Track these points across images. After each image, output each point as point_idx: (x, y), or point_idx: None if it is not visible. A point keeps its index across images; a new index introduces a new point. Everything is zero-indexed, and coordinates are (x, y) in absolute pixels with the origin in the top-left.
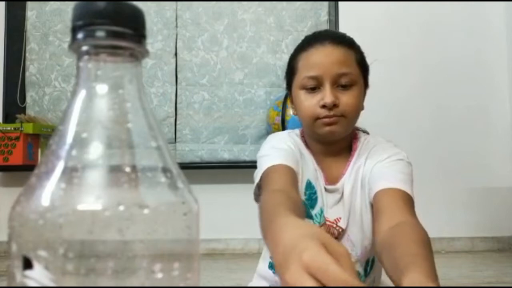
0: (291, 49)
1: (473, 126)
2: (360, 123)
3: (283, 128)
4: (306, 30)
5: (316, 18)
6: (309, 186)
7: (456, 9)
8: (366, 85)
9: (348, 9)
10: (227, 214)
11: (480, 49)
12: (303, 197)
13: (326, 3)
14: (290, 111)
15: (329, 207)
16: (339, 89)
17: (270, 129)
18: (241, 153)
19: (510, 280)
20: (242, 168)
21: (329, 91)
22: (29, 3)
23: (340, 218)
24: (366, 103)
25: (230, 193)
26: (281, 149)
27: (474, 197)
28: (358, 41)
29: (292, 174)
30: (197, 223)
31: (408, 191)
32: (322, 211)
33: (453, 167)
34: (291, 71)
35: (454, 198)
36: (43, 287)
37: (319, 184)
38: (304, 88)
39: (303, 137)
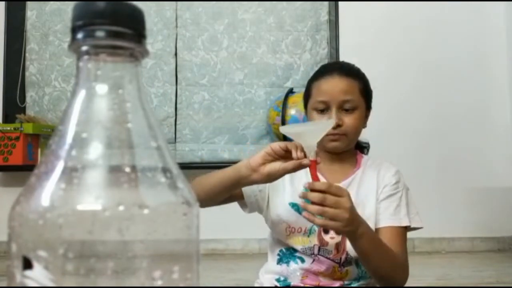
0: (291, 49)
1: (473, 126)
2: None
3: None
4: (306, 30)
5: (316, 18)
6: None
7: (456, 9)
8: (368, 108)
9: (348, 9)
10: (227, 214)
11: (480, 49)
12: (303, 201)
13: (326, 3)
14: (290, 111)
15: None
16: (343, 112)
17: (270, 129)
18: (241, 153)
19: (510, 280)
20: None
21: (334, 114)
22: (29, 3)
23: None
24: None
25: None
26: None
27: (474, 197)
28: (358, 41)
29: None
30: (197, 223)
31: (403, 223)
32: None
33: (453, 167)
34: (307, 95)
35: (454, 198)
36: (43, 287)
37: None
38: (315, 109)
39: None
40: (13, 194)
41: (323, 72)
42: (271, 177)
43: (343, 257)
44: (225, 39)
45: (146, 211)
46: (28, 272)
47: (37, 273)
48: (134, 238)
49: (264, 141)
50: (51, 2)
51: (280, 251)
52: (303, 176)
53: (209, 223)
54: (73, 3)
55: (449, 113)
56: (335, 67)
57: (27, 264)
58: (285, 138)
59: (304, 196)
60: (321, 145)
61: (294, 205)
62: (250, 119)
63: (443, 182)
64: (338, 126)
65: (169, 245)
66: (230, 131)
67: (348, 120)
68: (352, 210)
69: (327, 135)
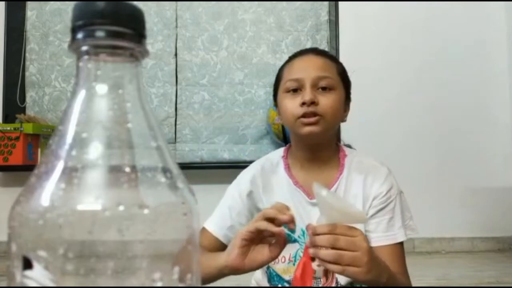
0: (291, 49)
1: (473, 125)
2: (361, 122)
3: (283, 128)
4: (306, 30)
5: (316, 18)
6: None
7: (456, 8)
8: (348, 98)
9: (348, 9)
10: None
11: (480, 48)
12: (282, 226)
13: (326, 3)
14: None
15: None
16: (319, 91)
17: (270, 129)
18: (241, 153)
19: (510, 280)
20: (242, 168)
21: (309, 90)
22: (29, 3)
23: None
24: (365, 102)
25: None
26: (223, 210)
27: (474, 197)
28: (358, 41)
29: (211, 243)
30: (197, 223)
31: (398, 239)
32: (304, 232)
33: (453, 167)
34: (276, 81)
35: (454, 198)
36: (43, 287)
37: (297, 205)
38: (287, 91)
39: (284, 156)
40: (13, 194)
41: (296, 54)
42: (259, 268)
43: (333, 286)
44: (225, 39)
45: (146, 211)
46: (28, 272)
47: (37, 273)
48: (134, 238)
49: (264, 141)
50: (51, 2)
51: (268, 268)
52: (279, 201)
53: None
54: (73, 3)
55: (449, 112)
56: (310, 49)
57: (27, 264)
58: (284, 136)
59: (312, 244)
60: (296, 135)
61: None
62: (250, 119)
63: (443, 182)
64: (312, 103)
65: (169, 245)
66: (230, 131)
67: (325, 100)
68: (370, 252)
69: (299, 117)
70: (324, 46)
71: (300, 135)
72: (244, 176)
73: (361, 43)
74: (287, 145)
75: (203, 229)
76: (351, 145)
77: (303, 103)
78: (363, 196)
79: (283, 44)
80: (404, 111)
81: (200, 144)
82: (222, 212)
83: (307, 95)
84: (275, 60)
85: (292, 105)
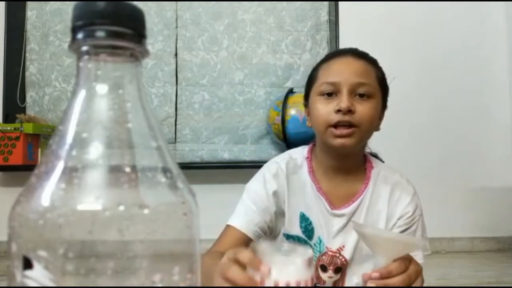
0: (291, 49)
1: (473, 125)
2: None
3: (283, 128)
4: (306, 30)
5: (316, 18)
6: (303, 218)
7: (456, 8)
8: (384, 105)
9: (348, 9)
10: (227, 214)
11: (480, 49)
12: (299, 231)
13: (326, 3)
14: (290, 111)
15: (333, 234)
16: (356, 98)
17: (270, 129)
18: (241, 153)
19: (510, 280)
20: (242, 168)
21: (346, 97)
22: (29, 3)
23: (343, 246)
24: None
25: (230, 193)
26: (249, 205)
27: (474, 197)
28: (358, 41)
29: (239, 241)
30: (197, 223)
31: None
32: (321, 240)
33: (453, 167)
34: (310, 80)
35: (454, 198)
36: (43, 287)
37: (317, 212)
38: (321, 94)
39: (308, 158)
40: (13, 194)
41: (334, 53)
42: None
43: None
44: (225, 39)
45: (146, 211)
46: (28, 272)
47: (37, 273)
48: (134, 238)
49: (264, 141)
50: (51, 2)
51: None
52: (300, 204)
53: (209, 223)
54: (73, 3)
55: (449, 113)
56: (349, 49)
57: (27, 264)
58: (284, 137)
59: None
60: (325, 144)
61: (289, 237)
62: (250, 119)
63: (443, 182)
64: (349, 111)
65: (169, 245)
66: (230, 131)
67: (362, 108)
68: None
69: (330, 126)
70: (324, 46)
71: (329, 146)
72: (268, 173)
73: (361, 44)
74: (311, 145)
75: (228, 227)
76: (378, 154)
77: (339, 110)
78: (387, 213)
79: (283, 44)
80: (404, 111)
81: (200, 144)
82: (248, 208)
83: (343, 102)
84: (275, 60)
85: (325, 110)
